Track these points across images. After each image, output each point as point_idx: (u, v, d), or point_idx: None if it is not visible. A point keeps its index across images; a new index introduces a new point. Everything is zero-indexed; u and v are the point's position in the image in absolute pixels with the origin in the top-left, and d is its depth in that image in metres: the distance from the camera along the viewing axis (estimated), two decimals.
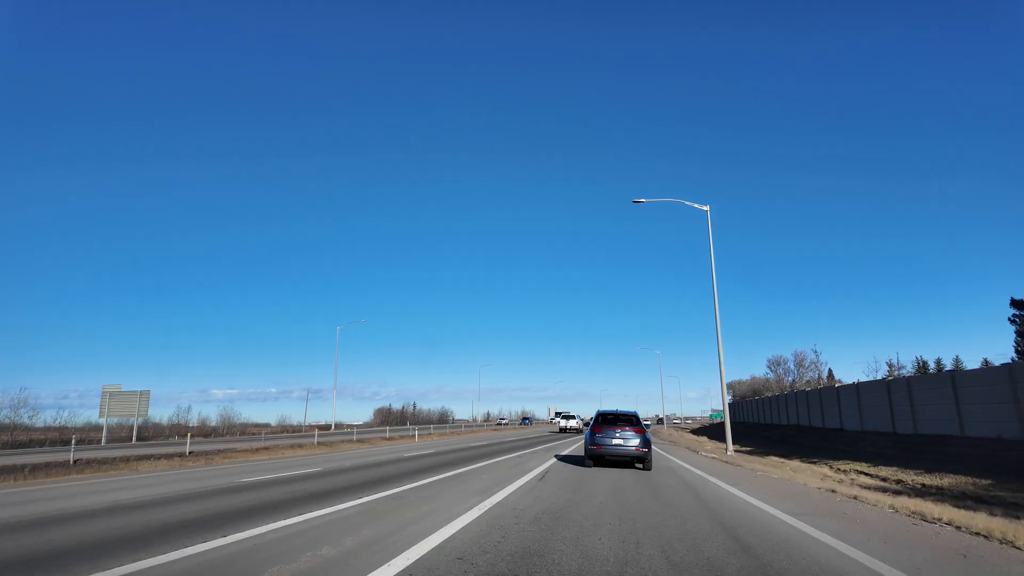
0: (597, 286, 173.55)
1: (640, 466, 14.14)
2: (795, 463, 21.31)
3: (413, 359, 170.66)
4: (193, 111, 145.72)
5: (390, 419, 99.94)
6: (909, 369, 52.97)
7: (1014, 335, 38.77)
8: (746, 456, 24.99)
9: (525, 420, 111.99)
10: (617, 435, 14.05)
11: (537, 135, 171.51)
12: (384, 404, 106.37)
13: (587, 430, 15.05)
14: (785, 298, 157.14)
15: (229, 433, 52.88)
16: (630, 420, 14.67)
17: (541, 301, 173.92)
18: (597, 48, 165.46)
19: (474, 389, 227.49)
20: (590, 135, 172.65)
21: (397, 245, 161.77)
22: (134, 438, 38.55)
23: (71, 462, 16.51)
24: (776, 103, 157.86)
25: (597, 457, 14.27)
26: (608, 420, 14.72)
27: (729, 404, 33.01)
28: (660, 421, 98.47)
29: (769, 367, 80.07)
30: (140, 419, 39.68)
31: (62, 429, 40.08)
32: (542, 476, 12.69)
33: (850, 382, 34.94)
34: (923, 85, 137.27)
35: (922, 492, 13.58)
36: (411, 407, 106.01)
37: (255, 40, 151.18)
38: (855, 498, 9.55)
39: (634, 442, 13.86)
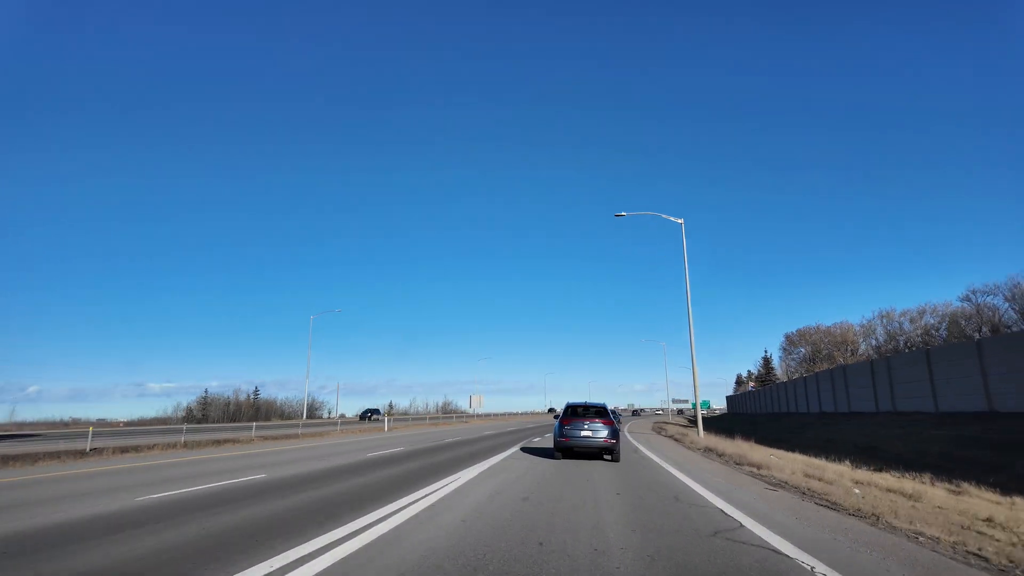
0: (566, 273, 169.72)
1: (608, 457, 14.32)
2: None
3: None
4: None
5: (220, 413, 63.95)
6: None
7: None
8: None
9: (368, 413, 73.98)
10: (586, 427, 14.17)
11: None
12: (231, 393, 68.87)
13: (556, 422, 15.27)
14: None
15: None
16: (599, 412, 14.80)
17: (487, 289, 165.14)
18: (600, 44, 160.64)
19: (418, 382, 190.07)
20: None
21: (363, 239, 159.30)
22: None
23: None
24: (780, 100, 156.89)
25: (566, 449, 14.38)
26: (577, 412, 14.84)
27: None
28: (693, 418, 66.12)
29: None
30: None
31: None
32: None
33: None
34: (925, 80, 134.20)
35: None
36: (251, 396, 69.04)
37: (241, 34, 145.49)
38: None
39: (603, 434, 14.03)
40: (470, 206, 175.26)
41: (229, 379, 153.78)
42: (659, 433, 29.18)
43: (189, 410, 62.91)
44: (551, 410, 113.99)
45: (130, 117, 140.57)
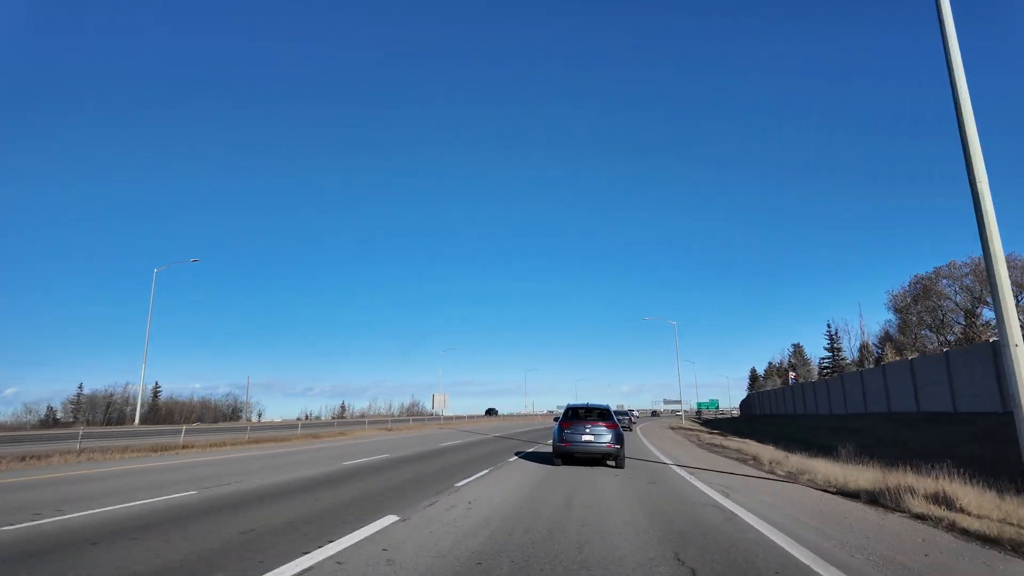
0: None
1: (612, 463, 13.60)
2: None
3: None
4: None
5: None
6: None
7: None
8: None
9: None
10: (588, 431, 13.38)
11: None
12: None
13: (556, 425, 14.37)
14: None
15: None
16: (602, 414, 13.99)
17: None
18: (607, 45, 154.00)
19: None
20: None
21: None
22: None
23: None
24: (783, 100, 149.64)
25: (566, 455, 13.59)
26: (579, 415, 14.02)
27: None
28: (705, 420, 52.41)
29: None
30: None
31: None
32: None
33: None
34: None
35: None
36: (152, 395, 53.66)
37: (240, 35, 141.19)
38: None
39: (606, 438, 13.26)
40: (466, 208, 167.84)
41: (209, 381, 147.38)
42: (749, 463, 14.62)
43: (51, 410, 47.20)
44: (490, 411, 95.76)
45: (128, 117, 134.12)
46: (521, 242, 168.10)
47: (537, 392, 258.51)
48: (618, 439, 13.17)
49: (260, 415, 67.08)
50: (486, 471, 12.26)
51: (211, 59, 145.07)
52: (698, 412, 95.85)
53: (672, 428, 41.95)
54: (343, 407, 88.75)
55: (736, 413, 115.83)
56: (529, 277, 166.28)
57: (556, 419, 14.93)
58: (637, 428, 45.28)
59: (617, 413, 57.29)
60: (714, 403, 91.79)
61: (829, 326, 65.87)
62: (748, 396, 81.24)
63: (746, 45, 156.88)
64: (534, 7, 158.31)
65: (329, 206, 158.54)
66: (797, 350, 71.11)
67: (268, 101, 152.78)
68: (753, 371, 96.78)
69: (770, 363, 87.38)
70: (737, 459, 16.29)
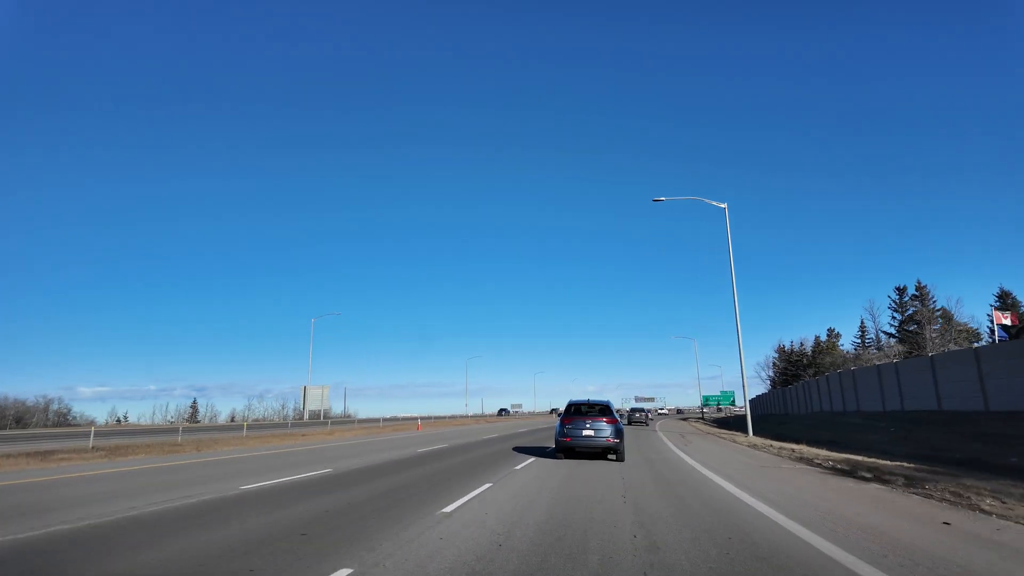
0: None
1: (613, 457, 14.19)
2: None
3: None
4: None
5: None
6: None
7: None
8: None
9: None
10: (588, 426, 14.08)
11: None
12: None
13: (557, 421, 15.17)
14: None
15: None
16: (602, 410, 14.67)
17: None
18: (608, 46, 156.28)
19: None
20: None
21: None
22: None
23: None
24: (783, 102, 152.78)
25: (567, 449, 14.43)
26: (580, 411, 14.73)
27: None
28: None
29: None
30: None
31: None
32: None
33: None
34: (928, 82, 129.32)
35: None
36: None
37: (238, 36, 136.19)
38: None
39: (606, 433, 13.95)
40: (455, 210, 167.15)
41: (169, 383, 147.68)
42: None
43: None
44: None
45: (128, 118, 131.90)
46: (511, 243, 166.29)
47: (498, 392, 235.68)
48: (618, 434, 13.70)
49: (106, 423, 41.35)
50: None
51: (211, 61, 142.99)
52: (717, 408, 74.18)
53: (753, 447, 19.30)
54: (194, 407, 63.12)
55: (740, 411, 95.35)
56: (496, 279, 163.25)
57: (558, 415, 16.10)
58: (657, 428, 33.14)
59: (634, 410, 40.41)
60: (728, 396, 69.93)
61: None
62: (801, 383, 56.61)
63: (742, 47, 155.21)
64: (536, 9, 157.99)
65: (329, 209, 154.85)
66: (920, 295, 44.39)
67: (271, 103, 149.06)
68: (781, 347, 73.39)
69: (831, 330, 64.81)
70: None
